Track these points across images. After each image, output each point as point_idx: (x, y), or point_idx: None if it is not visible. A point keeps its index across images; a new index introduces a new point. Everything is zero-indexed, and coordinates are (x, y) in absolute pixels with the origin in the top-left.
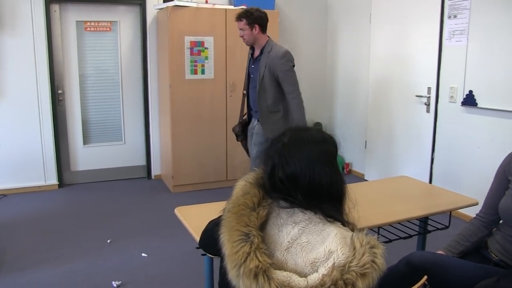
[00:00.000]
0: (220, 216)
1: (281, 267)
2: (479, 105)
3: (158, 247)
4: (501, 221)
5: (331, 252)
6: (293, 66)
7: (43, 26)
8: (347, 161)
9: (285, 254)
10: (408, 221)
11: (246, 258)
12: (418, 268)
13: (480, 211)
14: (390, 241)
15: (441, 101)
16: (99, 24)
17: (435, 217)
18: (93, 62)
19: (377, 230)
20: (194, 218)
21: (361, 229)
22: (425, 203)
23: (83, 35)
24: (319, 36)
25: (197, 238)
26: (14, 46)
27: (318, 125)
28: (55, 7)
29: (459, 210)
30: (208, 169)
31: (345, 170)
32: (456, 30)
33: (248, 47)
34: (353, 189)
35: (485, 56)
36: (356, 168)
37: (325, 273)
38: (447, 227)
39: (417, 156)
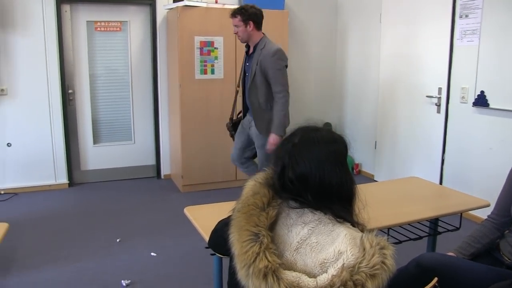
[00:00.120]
0: (229, 216)
1: (291, 267)
2: (491, 106)
3: (168, 247)
4: None
5: (341, 252)
6: (286, 66)
7: (54, 26)
8: (356, 162)
9: (294, 254)
10: (418, 222)
11: (256, 258)
12: (428, 270)
13: (492, 213)
14: (400, 242)
15: (452, 102)
16: (110, 24)
17: (445, 219)
18: (103, 62)
19: (386, 231)
20: (204, 217)
21: (371, 230)
22: (435, 204)
23: (93, 35)
24: (329, 36)
25: (207, 238)
26: (26, 46)
27: (327, 125)
28: (66, 7)
29: (470, 212)
30: (218, 169)
31: (354, 171)
32: (468, 30)
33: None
34: (362, 190)
35: (497, 56)
36: (365, 168)
37: (334, 273)
38: (457, 228)
39: (427, 157)
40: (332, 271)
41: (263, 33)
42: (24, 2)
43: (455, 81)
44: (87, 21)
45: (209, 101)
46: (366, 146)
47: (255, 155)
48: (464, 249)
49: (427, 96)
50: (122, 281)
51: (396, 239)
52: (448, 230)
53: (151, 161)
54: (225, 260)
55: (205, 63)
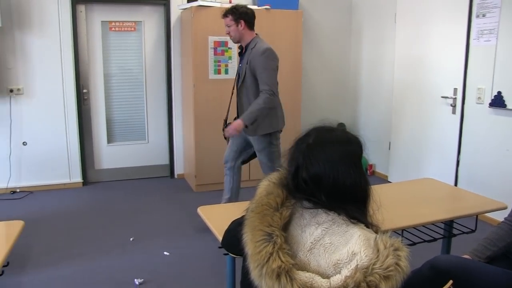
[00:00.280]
0: (243, 216)
1: (304, 267)
2: (508, 107)
3: (181, 246)
4: None
5: (354, 253)
6: (277, 66)
7: (69, 27)
8: (370, 163)
9: (308, 255)
10: (433, 224)
11: (269, 258)
12: (443, 272)
13: (509, 215)
14: (414, 244)
15: (468, 102)
16: (124, 24)
17: (460, 221)
18: (118, 62)
19: (401, 232)
20: (217, 217)
21: (385, 231)
22: (450, 206)
23: (108, 35)
24: (343, 36)
25: (220, 237)
26: (42, 46)
27: (341, 125)
28: (81, 8)
29: (486, 214)
30: None
31: (368, 172)
32: (485, 30)
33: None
34: (376, 191)
35: None
36: (379, 169)
37: (348, 274)
38: (473, 231)
39: (442, 158)
40: (345, 272)
41: (256, 34)
42: (40, 3)
43: (471, 82)
44: (101, 21)
45: (223, 101)
46: (380, 147)
47: (249, 159)
48: (480, 252)
49: (442, 97)
50: (135, 279)
51: (410, 240)
52: (464, 233)
53: (165, 160)
54: (238, 260)
55: (219, 63)
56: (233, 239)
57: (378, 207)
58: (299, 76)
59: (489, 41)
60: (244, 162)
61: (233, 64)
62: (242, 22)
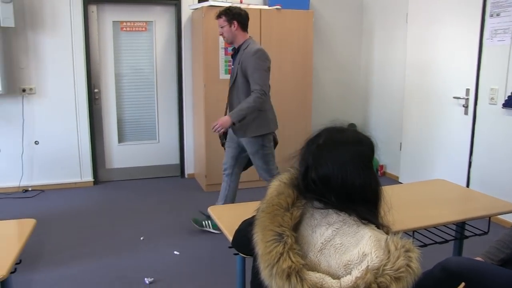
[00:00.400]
0: (253, 216)
1: (314, 268)
2: None
3: (191, 246)
4: None
5: (365, 254)
6: (268, 66)
7: (81, 27)
8: (381, 163)
9: (318, 255)
10: (444, 225)
11: (279, 258)
12: (454, 274)
13: None
14: (425, 245)
15: (481, 103)
16: (135, 24)
17: (473, 222)
18: (129, 62)
19: (411, 234)
20: (227, 217)
21: (396, 232)
22: (462, 208)
23: (119, 35)
24: (354, 36)
25: (230, 237)
26: (54, 46)
27: (352, 126)
28: (92, 8)
29: (499, 216)
30: None
31: (379, 172)
32: (499, 29)
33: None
34: (387, 192)
35: None
36: (390, 170)
37: (358, 275)
38: (486, 233)
39: (453, 159)
40: (356, 273)
41: (249, 36)
42: (52, 3)
43: (484, 82)
44: (113, 21)
45: None
46: (391, 148)
47: (248, 165)
48: (493, 254)
49: (454, 97)
50: (145, 278)
51: (421, 242)
52: (476, 234)
53: (175, 160)
54: (248, 260)
55: (229, 63)
56: (243, 239)
57: (389, 208)
58: (310, 76)
59: (503, 41)
60: (244, 169)
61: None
62: (235, 23)
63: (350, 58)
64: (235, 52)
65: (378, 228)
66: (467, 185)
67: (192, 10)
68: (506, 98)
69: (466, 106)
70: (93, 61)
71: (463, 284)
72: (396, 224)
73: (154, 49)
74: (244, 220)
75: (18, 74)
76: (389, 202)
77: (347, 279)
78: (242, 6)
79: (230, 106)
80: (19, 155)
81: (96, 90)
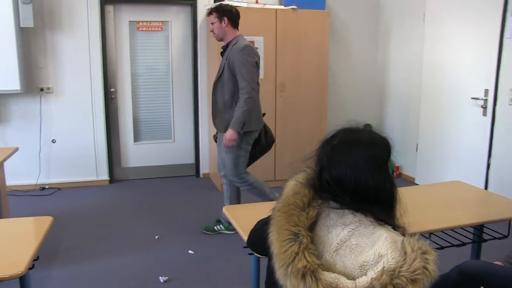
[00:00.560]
0: (269, 216)
1: (330, 268)
2: None
3: (205, 245)
4: None
5: (381, 255)
6: (256, 62)
7: (98, 27)
8: (397, 164)
9: (333, 255)
10: (462, 228)
11: (295, 257)
12: (472, 278)
13: None
14: (442, 248)
15: (500, 104)
16: (151, 24)
17: (491, 225)
18: (145, 61)
19: (428, 236)
20: (242, 217)
21: (413, 234)
22: (480, 210)
23: (135, 35)
24: (371, 36)
25: (245, 237)
26: (71, 46)
27: (368, 126)
28: (109, 8)
29: None
30: (256, 169)
31: (394, 173)
32: None
33: None
34: (403, 193)
35: None
36: (406, 171)
37: (374, 276)
38: (505, 236)
39: (471, 161)
40: (371, 274)
41: (240, 34)
42: (70, 4)
43: (504, 82)
44: (129, 21)
45: None
46: (407, 149)
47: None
48: None
49: (472, 98)
50: (160, 277)
51: (438, 244)
52: (495, 238)
53: (190, 159)
54: (263, 260)
55: None
56: (259, 238)
57: (404, 211)
58: (326, 76)
59: None
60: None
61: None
62: (226, 19)
63: (366, 58)
64: (224, 49)
65: (394, 229)
66: (486, 187)
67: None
68: None
69: (484, 107)
70: (109, 60)
71: None
72: (412, 226)
73: (170, 48)
74: (260, 220)
75: (36, 73)
76: (405, 203)
77: (363, 280)
78: (258, 6)
79: (214, 102)
80: (37, 153)
81: (112, 90)
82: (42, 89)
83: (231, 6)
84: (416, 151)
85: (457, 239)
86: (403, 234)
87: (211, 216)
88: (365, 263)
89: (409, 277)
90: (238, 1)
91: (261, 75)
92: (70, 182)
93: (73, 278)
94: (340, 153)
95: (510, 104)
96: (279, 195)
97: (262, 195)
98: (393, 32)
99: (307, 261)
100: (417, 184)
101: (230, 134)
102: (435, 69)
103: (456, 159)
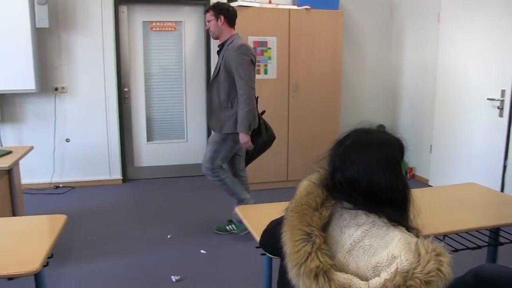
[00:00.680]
0: (282, 216)
1: (342, 269)
2: None
3: (218, 245)
4: None
5: (394, 257)
6: (251, 60)
7: (112, 27)
8: (410, 165)
9: (346, 256)
10: (477, 231)
11: (307, 257)
12: (487, 282)
13: None
14: (457, 250)
15: None
16: (165, 24)
17: (508, 229)
18: (158, 61)
19: (442, 238)
20: (255, 217)
21: (427, 236)
22: (496, 213)
23: (149, 35)
24: (384, 36)
25: (257, 237)
26: (85, 46)
27: (381, 127)
28: (123, 8)
29: None
30: (269, 169)
31: (408, 175)
32: None
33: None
34: (417, 195)
35: None
36: (420, 173)
37: (387, 278)
38: None
39: (487, 162)
40: (385, 275)
41: (236, 33)
42: (84, 4)
43: None
44: (143, 21)
45: (262, 100)
46: (421, 150)
47: (249, 160)
48: None
49: (488, 99)
50: (172, 276)
51: (452, 247)
52: None
53: None
54: (275, 261)
55: (258, 63)
56: (271, 238)
57: (418, 213)
58: (339, 77)
59: None
60: (246, 164)
61: (273, 65)
62: (222, 17)
63: (380, 59)
64: (221, 48)
65: (408, 231)
66: (502, 190)
67: None
68: None
69: (501, 108)
70: (123, 60)
71: None
72: (426, 228)
73: (183, 48)
74: (273, 220)
75: (51, 73)
76: (418, 205)
77: (376, 281)
78: (271, 6)
79: (209, 101)
80: (51, 152)
81: (126, 89)
82: (56, 89)
83: (229, 5)
84: (430, 152)
85: (472, 242)
86: (417, 236)
87: (223, 216)
88: (378, 264)
89: (423, 279)
90: (251, 1)
91: (274, 76)
92: (83, 181)
93: (86, 276)
94: (353, 153)
95: None
96: (251, 197)
97: (232, 194)
98: (407, 32)
99: (320, 261)
100: (431, 186)
101: (242, 137)
102: (450, 70)
103: (471, 160)
